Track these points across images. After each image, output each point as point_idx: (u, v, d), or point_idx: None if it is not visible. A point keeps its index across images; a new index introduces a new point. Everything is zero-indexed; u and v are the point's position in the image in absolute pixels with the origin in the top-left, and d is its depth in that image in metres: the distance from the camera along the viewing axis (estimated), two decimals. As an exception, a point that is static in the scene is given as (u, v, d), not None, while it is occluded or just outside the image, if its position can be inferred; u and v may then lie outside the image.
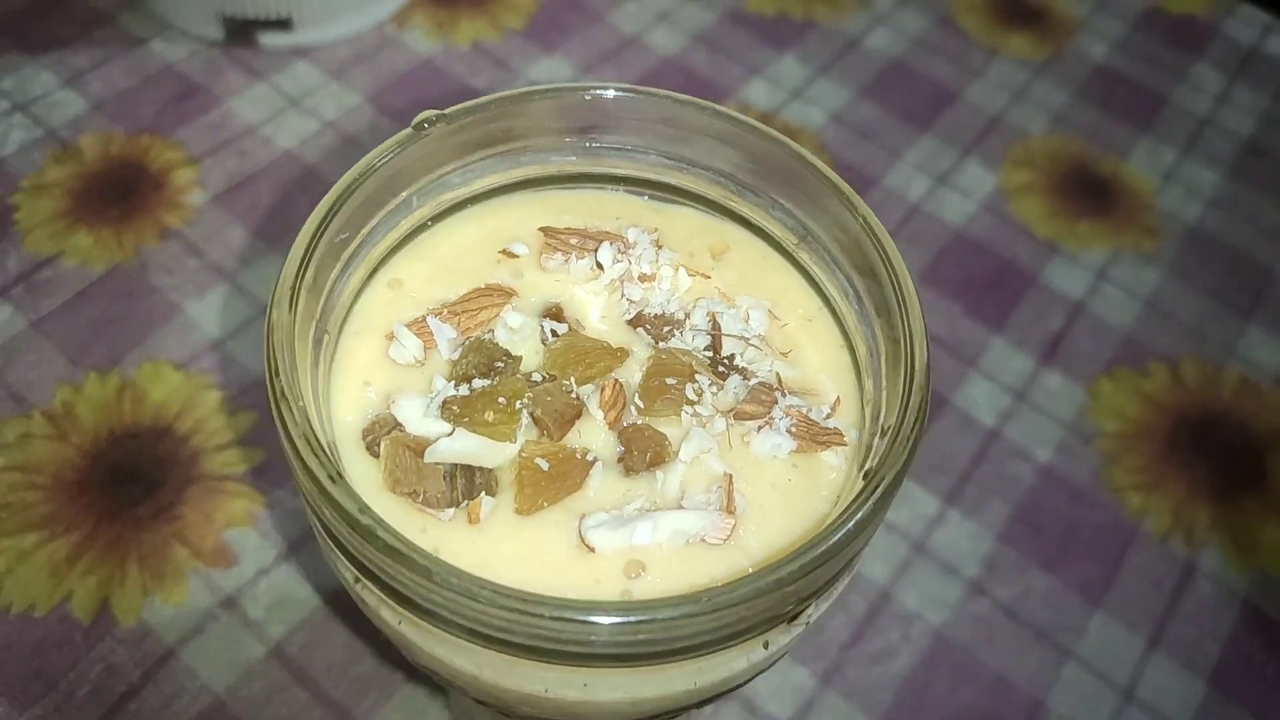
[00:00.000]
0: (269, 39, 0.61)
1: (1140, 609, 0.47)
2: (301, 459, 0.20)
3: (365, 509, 0.19)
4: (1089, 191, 0.62)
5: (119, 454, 0.46)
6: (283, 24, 0.60)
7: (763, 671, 0.23)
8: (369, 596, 0.21)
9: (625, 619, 0.18)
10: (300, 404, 0.20)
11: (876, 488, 0.20)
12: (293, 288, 0.21)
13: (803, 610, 0.20)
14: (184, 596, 0.43)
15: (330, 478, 0.19)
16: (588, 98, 0.26)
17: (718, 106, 0.26)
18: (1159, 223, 0.61)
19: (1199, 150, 0.65)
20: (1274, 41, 0.73)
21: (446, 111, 0.25)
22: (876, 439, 0.22)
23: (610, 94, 0.25)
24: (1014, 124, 0.65)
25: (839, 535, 0.19)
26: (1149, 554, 0.48)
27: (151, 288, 0.51)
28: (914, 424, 0.21)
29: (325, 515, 0.19)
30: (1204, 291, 0.58)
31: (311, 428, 0.20)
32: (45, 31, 0.61)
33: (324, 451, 0.20)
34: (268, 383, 0.21)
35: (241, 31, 0.60)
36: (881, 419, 0.22)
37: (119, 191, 0.54)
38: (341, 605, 0.43)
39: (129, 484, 0.45)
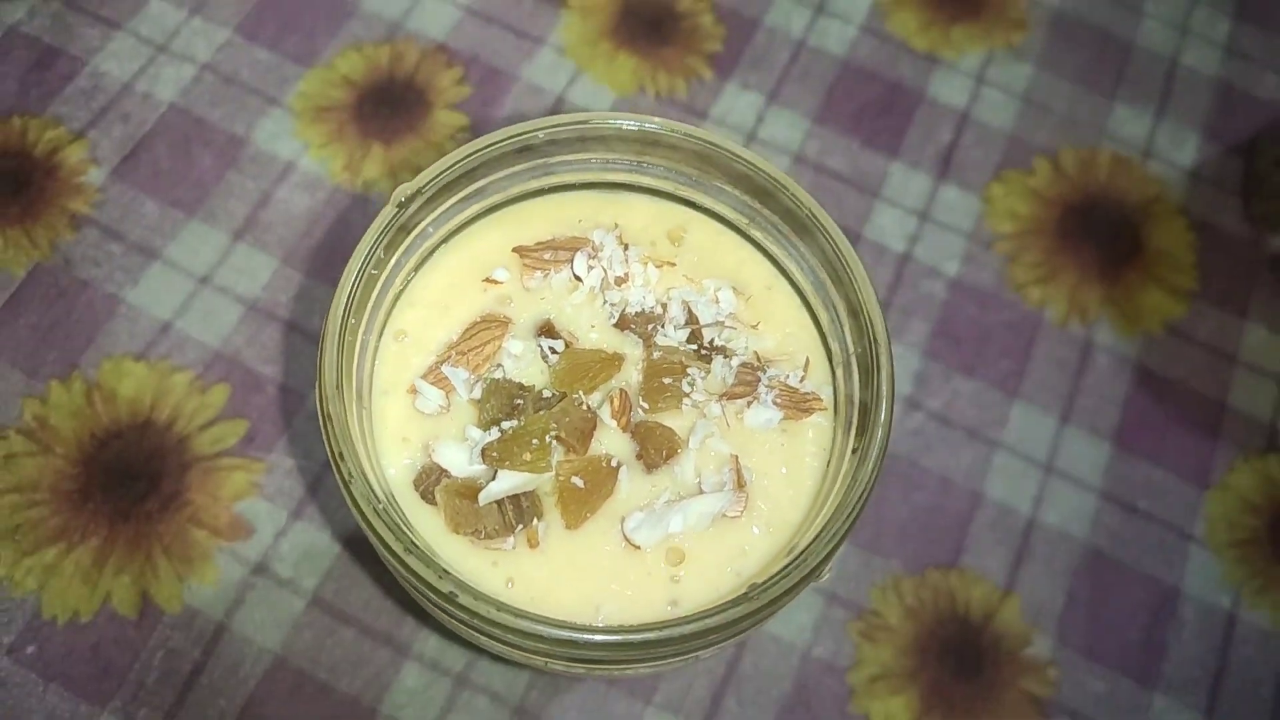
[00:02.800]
0: (112, -18, 0.57)
1: (1051, 391, 0.53)
2: (379, 536, 0.23)
3: (444, 574, 0.23)
4: (958, -7, 0.64)
5: (108, 456, 0.48)
6: (123, -36, 0.57)
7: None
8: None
9: (693, 625, 0.22)
10: (381, 506, 0.23)
11: (868, 468, 0.24)
12: (338, 386, 0.24)
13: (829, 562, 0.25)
14: (216, 574, 0.46)
15: (407, 549, 0.23)
16: (541, 136, 0.27)
17: (661, 122, 0.28)
18: (1025, 13, 0.64)
19: (1053, -73, 0.67)
20: None
21: (421, 186, 0.26)
22: (851, 396, 0.26)
23: (563, 127, 0.27)
24: (878, -68, 0.65)
25: (850, 511, 0.23)
26: (1052, 341, 0.55)
27: (82, 283, 0.51)
28: (887, 411, 0.25)
29: (406, 576, 0.23)
30: (1072, 79, 0.62)
31: (382, 504, 0.23)
32: None
33: (397, 526, 0.23)
34: (337, 474, 0.23)
35: (80, -21, 0.57)
36: (857, 383, 0.26)
37: (12, 185, 0.53)
38: (362, 547, 0.47)
39: (129, 482, 0.47)
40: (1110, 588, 0.50)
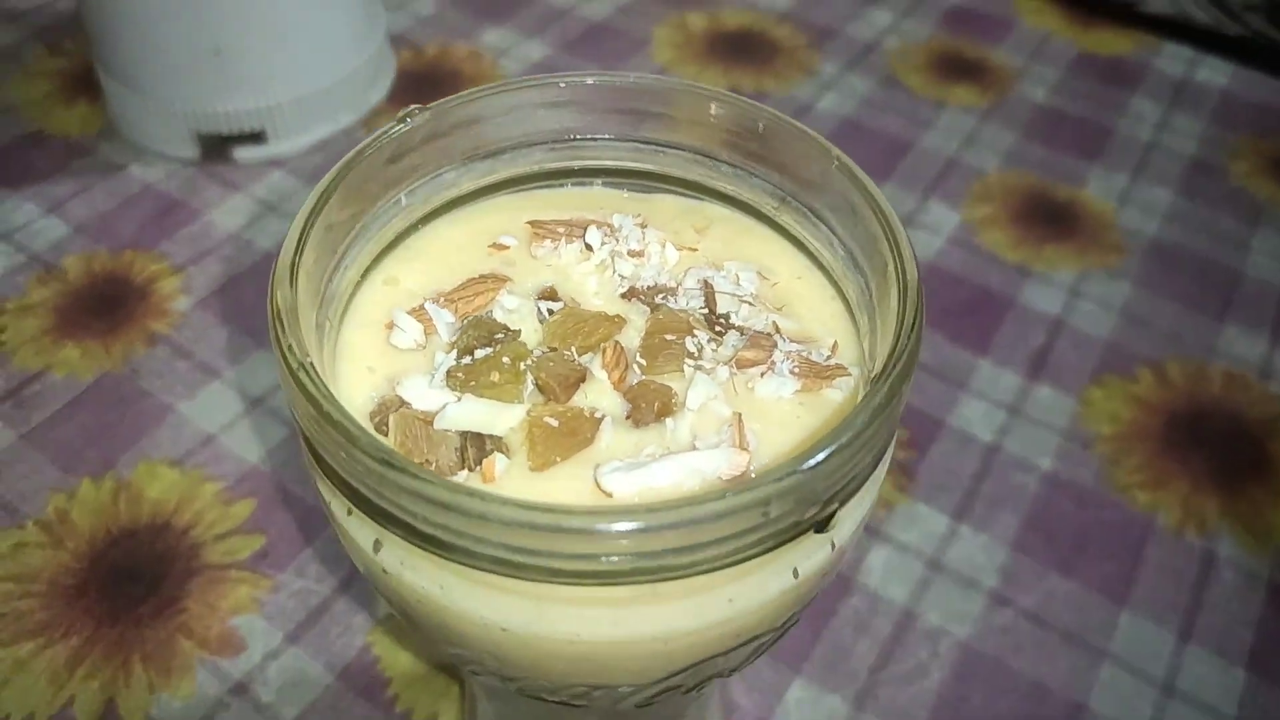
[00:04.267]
0: (243, 153, 0.63)
1: (1166, 603, 0.46)
2: (319, 407, 0.19)
3: (391, 452, 0.19)
4: (1051, 218, 0.64)
5: (117, 554, 0.45)
6: (256, 137, 0.62)
7: (795, 615, 0.23)
8: (391, 561, 0.21)
9: (653, 518, 0.18)
10: (309, 360, 0.20)
11: (891, 372, 0.20)
12: (292, 265, 0.22)
13: (829, 517, 0.20)
14: (192, 689, 0.41)
15: (353, 432, 0.19)
16: (563, 85, 0.27)
17: (688, 82, 0.27)
18: (1122, 240, 0.63)
19: (1149, 172, 0.67)
20: (1202, 71, 0.76)
21: (429, 106, 0.26)
22: (876, 348, 0.22)
23: (586, 80, 0.27)
24: (969, 165, 0.67)
25: (859, 421, 0.19)
26: (1165, 548, 0.48)
27: (142, 392, 0.51)
28: (913, 317, 0.22)
29: (353, 465, 0.19)
30: (1175, 298, 0.59)
31: (325, 385, 0.20)
32: (25, 166, 0.63)
33: (341, 408, 0.19)
34: (276, 348, 0.21)
35: (217, 148, 0.62)
36: (878, 337, 0.23)
37: (105, 305, 0.55)
38: (354, 680, 0.42)
39: (129, 583, 0.44)
40: (1257, 844, 0.39)
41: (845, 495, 0.20)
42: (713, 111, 0.27)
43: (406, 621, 0.23)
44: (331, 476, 0.21)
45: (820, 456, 0.19)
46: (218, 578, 0.45)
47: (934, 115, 0.71)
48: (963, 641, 0.44)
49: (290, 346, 0.21)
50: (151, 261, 0.58)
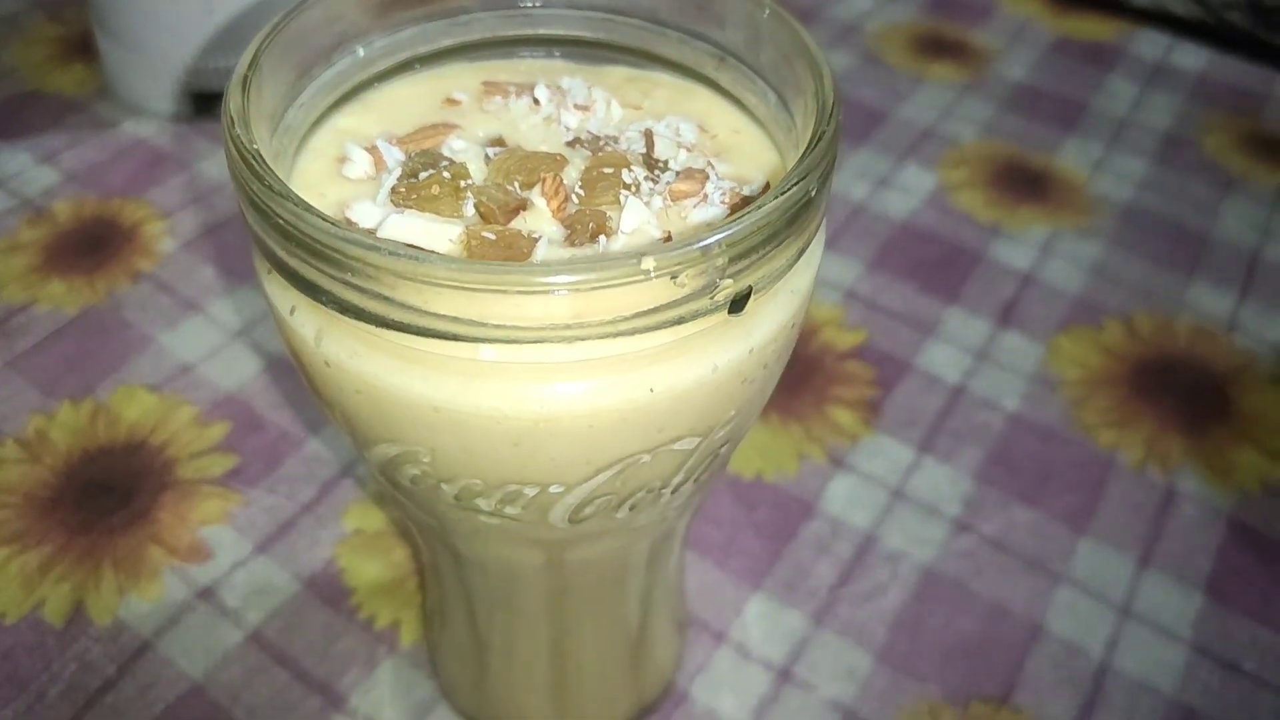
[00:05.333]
0: (234, 110, 0.64)
1: (1126, 532, 0.46)
2: (263, 181, 0.20)
3: (335, 219, 0.20)
4: (1024, 183, 0.65)
5: (92, 470, 0.46)
6: (247, 94, 0.64)
7: (720, 436, 0.23)
8: (332, 350, 0.22)
9: (572, 270, 0.19)
10: (256, 147, 0.21)
11: (803, 160, 0.21)
12: (244, 79, 0.23)
13: (742, 299, 0.20)
14: (160, 592, 0.42)
15: (299, 198, 0.20)
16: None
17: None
18: (1094, 204, 0.64)
19: (1124, 144, 0.69)
20: (1178, 56, 0.78)
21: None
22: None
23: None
24: (945, 134, 0.68)
25: (768, 199, 0.20)
26: (1127, 482, 0.48)
27: (125, 323, 0.52)
28: (829, 116, 0.23)
29: (298, 239, 0.20)
30: (1145, 257, 0.60)
31: (272, 169, 0.21)
32: (20, 121, 0.64)
33: (286, 186, 0.20)
34: (227, 139, 0.22)
35: (208, 105, 0.64)
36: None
37: (92, 245, 0.56)
38: (319, 589, 0.43)
39: (103, 496, 0.45)
40: (1210, 756, 0.40)
41: (759, 283, 0.21)
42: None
43: (345, 423, 0.24)
44: (277, 265, 0.22)
45: (730, 230, 0.20)
46: (189, 492, 0.45)
47: (912, 89, 0.72)
48: (923, 564, 0.45)
49: (239, 136, 0.22)
50: (140, 207, 0.59)
